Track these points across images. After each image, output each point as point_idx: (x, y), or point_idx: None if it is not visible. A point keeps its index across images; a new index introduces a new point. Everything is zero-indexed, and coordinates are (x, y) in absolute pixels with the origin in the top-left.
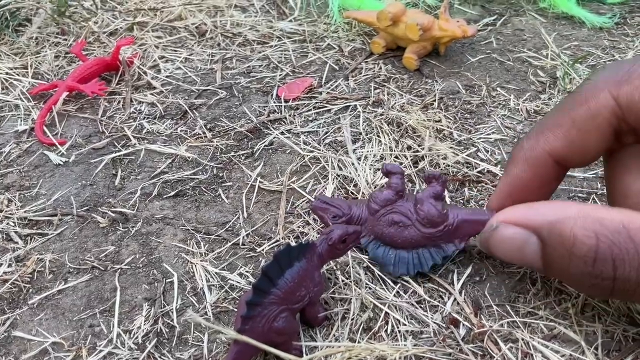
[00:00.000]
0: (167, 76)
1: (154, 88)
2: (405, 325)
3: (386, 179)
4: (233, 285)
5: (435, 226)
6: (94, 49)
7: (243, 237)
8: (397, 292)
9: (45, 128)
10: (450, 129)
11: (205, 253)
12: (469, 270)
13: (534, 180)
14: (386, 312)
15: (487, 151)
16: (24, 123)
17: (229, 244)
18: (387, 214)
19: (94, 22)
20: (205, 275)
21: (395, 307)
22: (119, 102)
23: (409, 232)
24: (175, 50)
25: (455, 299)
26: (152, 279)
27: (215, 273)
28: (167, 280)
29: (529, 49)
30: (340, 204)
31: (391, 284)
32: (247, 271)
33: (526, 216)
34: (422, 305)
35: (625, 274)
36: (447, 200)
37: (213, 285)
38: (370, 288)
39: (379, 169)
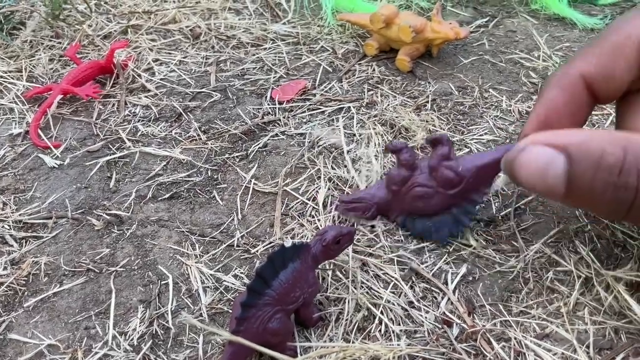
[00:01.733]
0: (161, 79)
1: (149, 91)
2: (399, 325)
3: (394, 157)
4: (228, 286)
5: (456, 186)
6: (88, 52)
7: (238, 239)
8: (391, 292)
9: (40, 131)
10: (443, 130)
11: (200, 255)
12: (462, 271)
13: (567, 104)
14: (380, 312)
15: (480, 152)
16: (19, 126)
17: (224, 245)
18: (409, 191)
19: (88, 25)
20: (200, 276)
21: (390, 307)
22: (114, 104)
23: (435, 200)
24: (170, 53)
25: (449, 299)
26: (147, 281)
27: (210, 275)
28: (162, 282)
29: (521, 50)
30: (364, 197)
31: (386, 283)
32: (241, 272)
33: (555, 137)
34: (416, 305)
35: None
36: None
37: (208, 286)
38: (364, 288)
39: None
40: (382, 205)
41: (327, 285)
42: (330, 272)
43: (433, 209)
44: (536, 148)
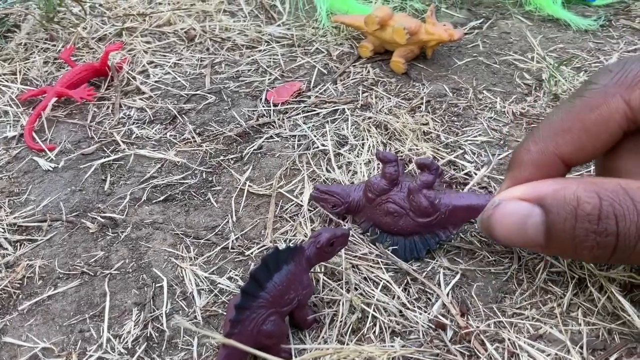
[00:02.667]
0: (156, 81)
1: (143, 93)
2: (393, 326)
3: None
4: (222, 289)
5: (427, 216)
6: (82, 55)
7: (232, 241)
8: (385, 293)
9: (34, 134)
10: (438, 131)
11: (194, 257)
12: (456, 272)
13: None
14: (374, 314)
15: (474, 153)
16: (13, 129)
17: (218, 248)
18: (382, 204)
19: (83, 27)
20: (195, 279)
21: (384, 309)
22: (108, 107)
23: (403, 222)
24: (164, 55)
25: (442, 301)
26: (142, 284)
27: (205, 277)
28: (156, 285)
29: (515, 51)
30: (338, 192)
31: (379, 285)
32: (236, 275)
33: (529, 189)
34: (410, 307)
35: (627, 228)
36: None
37: (202, 289)
38: (358, 290)
39: (368, 173)
40: (353, 206)
41: (321, 287)
42: (322, 275)
43: (398, 229)
44: (511, 203)
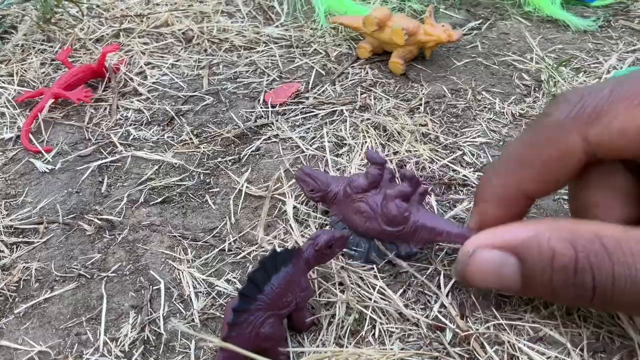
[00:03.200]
0: (153, 82)
1: (141, 94)
2: (392, 328)
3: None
4: (220, 291)
5: (394, 225)
6: (80, 56)
7: (230, 243)
8: (384, 295)
9: (31, 136)
10: (436, 132)
11: (192, 259)
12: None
13: (506, 216)
14: (373, 316)
15: (473, 155)
16: (10, 131)
17: (216, 250)
18: (356, 201)
19: (80, 29)
20: (192, 282)
21: (382, 311)
22: (106, 108)
23: (370, 224)
24: (162, 57)
25: (442, 302)
26: (139, 287)
27: (202, 279)
28: (154, 288)
29: (514, 52)
30: (320, 179)
31: (378, 287)
32: (234, 277)
33: (501, 238)
34: (409, 309)
35: (602, 281)
36: (434, 203)
37: (200, 292)
38: (356, 292)
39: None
40: (329, 197)
41: (319, 289)
42: (319, 277)
43: (363, 231)
44: (485, 252)
